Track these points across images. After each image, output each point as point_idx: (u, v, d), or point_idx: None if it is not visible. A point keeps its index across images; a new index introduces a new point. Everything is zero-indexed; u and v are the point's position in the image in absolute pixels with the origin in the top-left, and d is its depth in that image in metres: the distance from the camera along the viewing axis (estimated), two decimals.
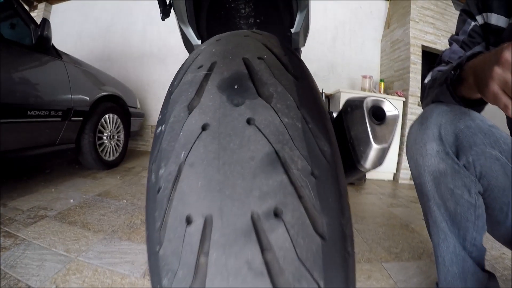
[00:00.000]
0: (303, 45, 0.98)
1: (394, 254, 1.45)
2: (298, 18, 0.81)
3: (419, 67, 3.59)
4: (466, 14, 0.93)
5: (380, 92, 3.84)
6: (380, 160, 0.65)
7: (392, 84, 3.98)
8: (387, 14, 4.37)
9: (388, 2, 4.38)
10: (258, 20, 0.89)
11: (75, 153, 2.47)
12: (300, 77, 0.35)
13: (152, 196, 0.30)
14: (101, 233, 1.41)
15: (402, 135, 3.51)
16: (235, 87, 0.30)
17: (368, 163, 0.64)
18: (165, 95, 0.38)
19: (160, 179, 0.29)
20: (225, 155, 0.26)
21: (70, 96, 2.25)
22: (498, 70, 0.51)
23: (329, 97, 3.83)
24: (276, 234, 0.24)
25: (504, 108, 0.51)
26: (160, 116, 0.35)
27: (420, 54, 3.62)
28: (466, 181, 0.74)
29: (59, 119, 2.14)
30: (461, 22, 0.96)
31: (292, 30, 0.84)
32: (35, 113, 1.91)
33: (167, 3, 0.87)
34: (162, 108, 0.36)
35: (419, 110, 3.54)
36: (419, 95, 3.62)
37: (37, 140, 2.03)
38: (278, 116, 0.29)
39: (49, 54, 2.14)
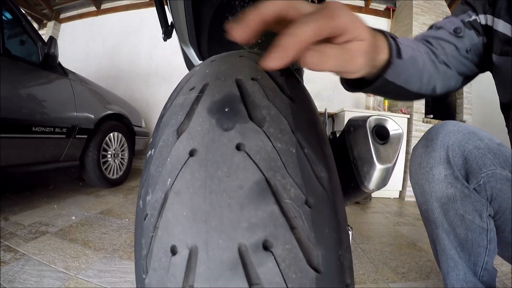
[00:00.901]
0: None
1: (401, 274, 1.41)
2: None
3: None
4: (468, 5, 0.77)
5: (384, 110, 3.84)
6: (384, 181, 0.63)
7: (396, 101, 3.97)
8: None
9: (389, 20, 4.43)
10: (259, 41, 0.89)
11: (79, 170, 2.48)
12: (297, 99, 0.33)
13: (140, 223, 0.29)
14: (102, 252, 1.39)
15: (407, 153, 3.48)
16: (226, 110, 0.28)
17: (372, 184, 0.62)
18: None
19: (147, 206, 0.28)
20: (212, 183, 0.25)
21: (75, 113, 2.27)
22: None
23: (333, 117, 3.83)
24: (266, 268, 0.23)
25: None
26: (151, 140, 0.34)
27: None
28: (477, 205, 0.71)
29: (63, 136, 2.16)
30: (460, 11, 0.77)
31: None
32: (40, 129, 1.93)
33: (169, 24, 0.88)
34: (153, 132, 0.35)
35: (424, 126, 3.52)
36: (424, 111, 3.61)
37: (41, 156, 2.05)
38: (270, 141, 0.27)
39: (55, 72, 2.18)
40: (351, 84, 0.59)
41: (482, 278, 0.74)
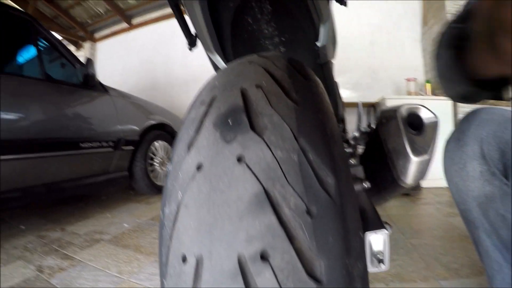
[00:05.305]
0: (333, 57, 0.93)
1: (453, 270, 1.31)
2: (322, 31, 0.76)
3: None
4: None
5: (426, 93, 3.57)
6: (422, 173, 0.59)
7: None
8: (422, 12, 4.13)
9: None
10: (283, 39, 0.87)
11: (128, 180, 2.60)
12: (303, 101, 0.33)
13: (160, 232, 0.31)
14: (153, 256, 1.45)
15: None
16: (228, 122, 0.29)
17: (409, 178, 0.58)
18: None
19: (165, 217, 0.30)
20: (215, 196, 0.26)
21: (120, 127, 2.40)
22: None
23: (374, 106, 3.65)
24: (263, 278, 0.23)
25: None
26: (171, 154, 0.36)
27: None
28: None
29: (111, 149, 2.29)
30: None
31: (318, 44, 0.79)
32: (87, 145, 2.06)
33: (192, 33, 0.90)
34: (172, 146, 0.37)
35: (470, 108, 3.25)
36: None
37: (91, 169, 2.18)
38: (271, 150, 0.27)
39: (96, 90, 2.31)
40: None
41: None
